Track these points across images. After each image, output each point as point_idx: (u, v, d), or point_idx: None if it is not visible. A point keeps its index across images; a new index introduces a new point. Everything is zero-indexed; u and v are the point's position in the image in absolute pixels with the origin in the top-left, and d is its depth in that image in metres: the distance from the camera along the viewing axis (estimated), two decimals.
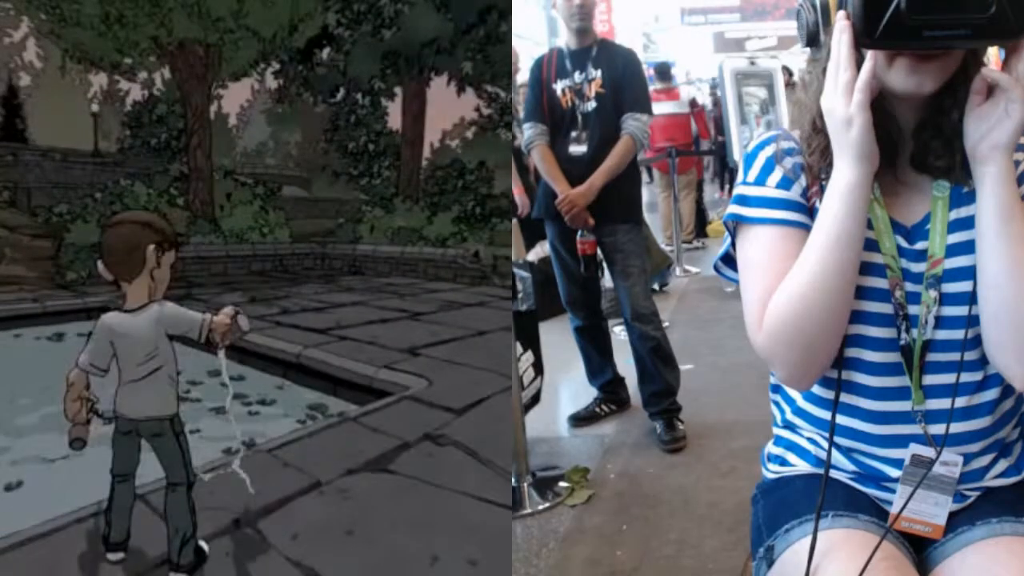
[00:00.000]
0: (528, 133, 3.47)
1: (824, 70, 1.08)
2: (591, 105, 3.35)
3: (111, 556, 1.80)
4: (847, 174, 1.05)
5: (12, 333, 5.40)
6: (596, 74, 3.35)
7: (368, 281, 8.42)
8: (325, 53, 12.55)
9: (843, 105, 1.03)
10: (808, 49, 1.18)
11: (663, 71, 8.80)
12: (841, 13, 1.02)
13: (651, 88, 8.62)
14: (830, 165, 1.09)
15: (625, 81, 3.34)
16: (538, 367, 3.28)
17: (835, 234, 1.06)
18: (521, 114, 3.72)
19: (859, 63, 1.03)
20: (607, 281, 3.71)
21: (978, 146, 1.05)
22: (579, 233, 3.39)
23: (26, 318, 5.72)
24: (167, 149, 11.49)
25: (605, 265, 3.60)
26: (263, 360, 4.26)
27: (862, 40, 1.01)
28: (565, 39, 3.52)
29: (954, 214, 1.13)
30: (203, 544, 1.82)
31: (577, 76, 3.37)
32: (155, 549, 1.79)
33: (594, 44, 3.40)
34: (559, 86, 3.41)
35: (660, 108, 8.20)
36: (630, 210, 3.45)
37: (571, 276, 3.57)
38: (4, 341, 5.24)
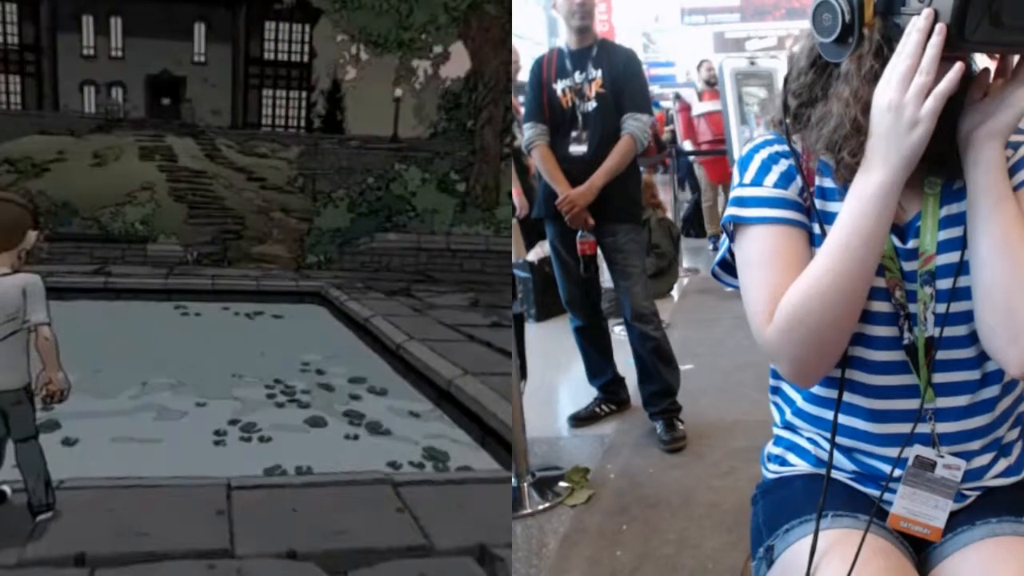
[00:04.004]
0: (528, 133, 3.47)
1: (871, 68, 1.04)
2: (591, 105, 3.35)
3: None
4: (884, 176, 1.02)
5: (222, 306, 5.58)
6: (596, 74, 3.34)
7: None
8: None
9: (914, 107, 0.98)
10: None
11: None
12: (927, 12, 0.97)
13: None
14: (852, 168, 1.06)
15: (626, 81, 3.34)
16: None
17: (864, 234, 1.03)
18: (521, 114, 3.72)
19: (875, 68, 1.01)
20: (607, 281, 3.71)
21: (973, 132, 1.05)
22: (579, 233, 3.39)
23: (239, 293, 5.89)
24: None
25: (605, 265, 3.60)
26: (421, 379, 3.43)
27: (955, 42, 0.97)
28: (565, 39, 3.52)
29: (944, 211, 1.13)
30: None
31: (577, 76, 3.37)
32: None
33: (594, 44, 3.40)
34: (559, 86, 3.40)
35: (706, 106, 8.19)
36: (630, 210, 3.45)
37: (571, 276, 3.56)
38: (211, 311, 5.44)
